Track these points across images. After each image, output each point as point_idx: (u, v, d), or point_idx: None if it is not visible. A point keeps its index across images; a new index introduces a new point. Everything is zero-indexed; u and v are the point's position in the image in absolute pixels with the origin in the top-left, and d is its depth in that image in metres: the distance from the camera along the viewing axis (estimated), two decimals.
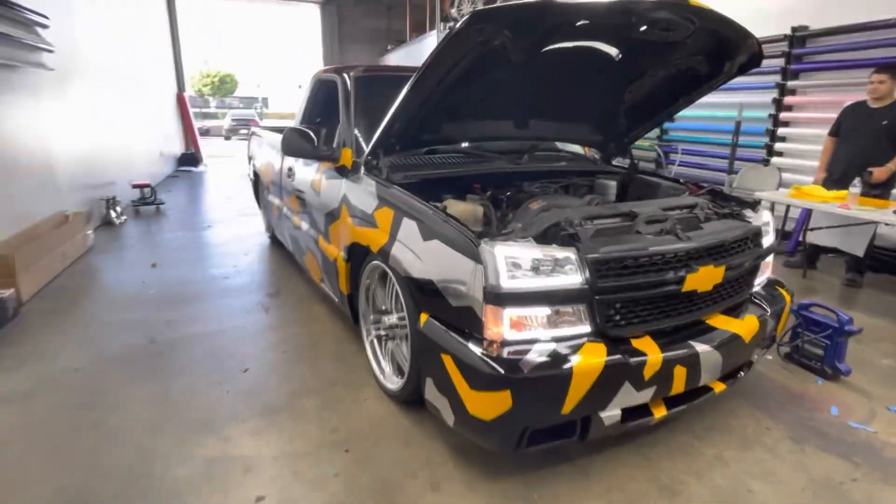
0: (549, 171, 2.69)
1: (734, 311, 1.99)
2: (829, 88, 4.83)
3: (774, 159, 5.23)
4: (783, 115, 5.15)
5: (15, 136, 3.73)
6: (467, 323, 1.64)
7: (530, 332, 1.59)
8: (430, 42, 8.31)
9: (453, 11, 7.37)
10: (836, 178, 3.97)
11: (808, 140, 4.95)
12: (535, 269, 1.57)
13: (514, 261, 1.56)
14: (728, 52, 2.22)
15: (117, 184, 5.89)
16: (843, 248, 3.87)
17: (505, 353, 1.55)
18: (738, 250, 1.94)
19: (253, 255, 4.36)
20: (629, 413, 1.71)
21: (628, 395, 1.65)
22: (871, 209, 3.18)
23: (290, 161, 3.36)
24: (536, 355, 1.53)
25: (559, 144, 3.19)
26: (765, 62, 5.10)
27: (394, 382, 2.21)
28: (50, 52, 4.12)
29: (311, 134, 2.63)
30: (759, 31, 5.14)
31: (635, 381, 1.64)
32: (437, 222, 1.77)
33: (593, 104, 2.69)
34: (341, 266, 2.51)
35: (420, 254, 1.80)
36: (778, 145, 5.21)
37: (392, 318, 2.17)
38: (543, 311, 1.59)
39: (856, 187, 3.29)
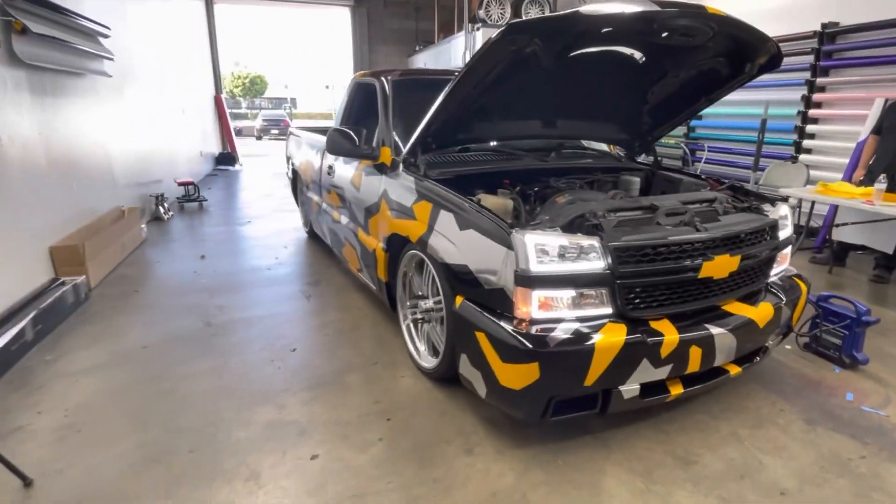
0: (575, 168, 2.85)
1: (750, 299, 2.12)
2: (860, 85, 4.82)
3: (803, 156, 5.22)
4: (812, 112, 5.14)
5: (82, 138, 4.08)
6: (499, 303, 1.82)
7: (556, 312, 1.76)
8: (458, 43, 8.47)
9: (481, 13, 7.53)
10: (878, 174, 3.97)
11: (838, 137, 4.95)
12: (562, 255, 1.74)
13: (542, 247, 1.74)
14: (748, 54, 2.34)
15: (164, 181, 6.28)
16: (871, 245, 3.90)
17: (533, 330, 1.73)
18: (754, 241, 2.07)
19: (292, 249, 4.63)
20: (647, 389, 1.86)
21: (646, 372, 1.81)
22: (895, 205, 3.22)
23: (330, 160, 3.60)
24: (562, 332, 1.71)
25: (586, 143, 3.34)
26: (794, 59, 5.14)
27: (429, 361, 2.41)
28: (110, 59, 4.47)
29: (352, 134, 2.85)
30: (788, 27, 5.20)
31: (653, 358, 1.79)
32: (472, 213, 1.96)
33: (618, 104, 2.83)
34: (380, 256, 2.73)
35: (456, 242, 1.99)
36: (806, 142, 5.21)
37: (428, 303, 2.38)
38: (568, 294, 1.76)
39: (882, 183, 3.33)
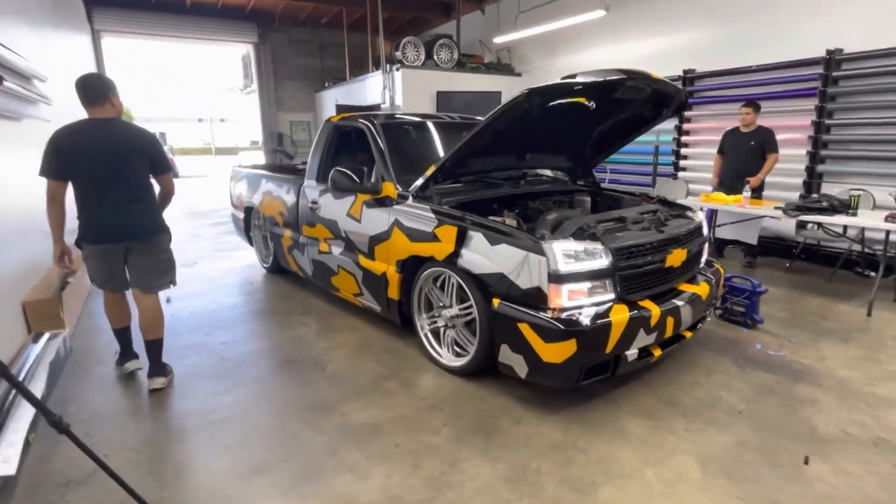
0: (541, 192, 3.50)
1: (693, 281, 2.88)
2: (715, 117, 6.22)
3: (681, 173, 6.54)
4: (683, 139, 6.48)
5: (26, 188, 3.86)
6: (535, 299, 2.34)
7: (578, 301, 2.33)
8: (374, 81, 9.00)
9: (398, 54, 8.15)
10: (727, 185, 5.21)
11: (703, 157, 6.30)
12: (579, 257, 2.32)
13: (566, 252, 2.30)
14: (667, 101, 3.17)
15: None
16: (741, 239, 5.10)
17: (565, 315, 2.27)
18: (692, 238, 2.85)
19: (258, 285, 4.71)
20: (642, 352, 2.49)
21: (642, 339, 2.44)
22: (758, 207, 4.34)
23: (312, 195, 3.87)
24: (587, 315, 2.27)
25: (539, 171, 4.03)
26: None
27: (455, 361, 2.84)
28: (48, 104, 4.28)
29: (351, 173, 3.21)
30: (660, 71, 6.51)
31: (646, 328, 2.43)
32: (501, 231, 2.46)
33: (569, 139, 3.55)
34: (393, 277, 3.10)
35: (490, 256, 2.48)
36: (682, 162, 6.53)
37: (452, 311, 2.81)
38: (586, 286, 2.34)
39: (748, 192, 4.47)
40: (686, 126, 6.46)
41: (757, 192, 5.01)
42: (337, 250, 3.66)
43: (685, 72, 6.30)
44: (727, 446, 2.21)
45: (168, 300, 4.26)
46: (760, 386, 2.72)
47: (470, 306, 2.68)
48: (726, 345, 3.24)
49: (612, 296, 2.42)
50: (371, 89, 9.28)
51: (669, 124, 6.56)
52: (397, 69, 8.13)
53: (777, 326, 3.53)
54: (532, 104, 2.59)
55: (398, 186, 3.14)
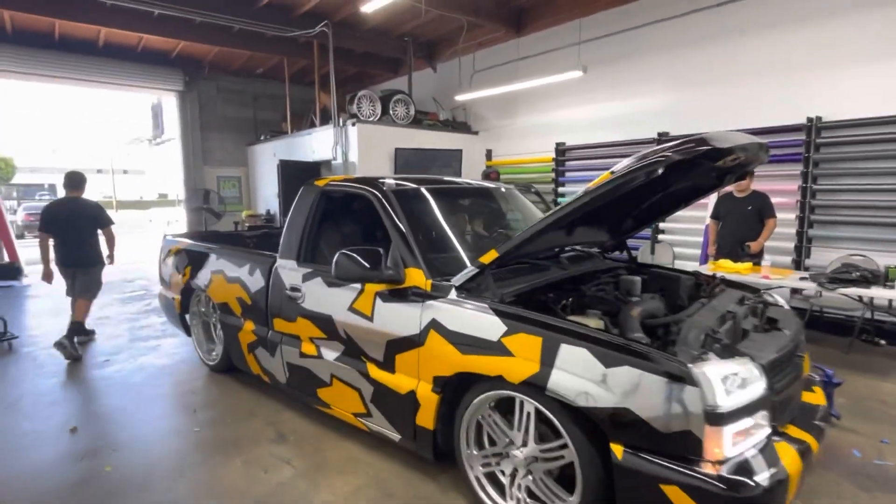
0: (587, 273, 2.88)
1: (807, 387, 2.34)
2: None
3: (661, 236, 6.33)
4: None
5: None
6: (681, 446, 1.63)
7: (742, 445, 1.66)
8: (321, 136, 8.24)
9: (353, 108, 7.51)
10: (726, 251, 4.97)
11: (682, 220, 6.14)
12: (738, 383, 1.67)
13: (726, 378, 1.64)
14: (737, 168, 2.74)
15: None
16: None
17: (728, 470, 1.58)
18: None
19: (203, 394, 3.57)
20: None
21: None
22: (783, 277, 4.05)
23: (291, 279, 2.97)
24: (762, 469, 1.60)
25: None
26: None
27: None
28: None
29: (358, 257, 2.40)
30: (634, 133, 6.40)
31: (810, 465, 1.80)
32: (621, 347, 1.76)
33: (618, 209, 3.00)
34: (427, 399, 2.27)
35: (604, 382, 1.75)
36: (662, 225, 6.34)
37: (524, 451, 2.02)
38: (747, 422, 1.68)
39: (766, 261, 4.19)
40: None
41: (756, 258, 4.80)
42: (330, 354, 2.76)
43: (660, 134, 6.22)
44: None
45: (74, 430, 3.03)
46: None
47: (561, 447, 1.92)
48: (822, 454, 2.71)
49: (768, 430, 1.77)
50: (317, 144, 8.51)
51: None
52: (353, 124, 7.46)
53: (849, 419, 3.09)
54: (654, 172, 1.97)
55: (429, 275, 2.37)
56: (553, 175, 7.41)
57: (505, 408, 2.13)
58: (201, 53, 9.42)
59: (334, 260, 2.41)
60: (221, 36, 8.07)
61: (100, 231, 4.63)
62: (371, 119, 7.69)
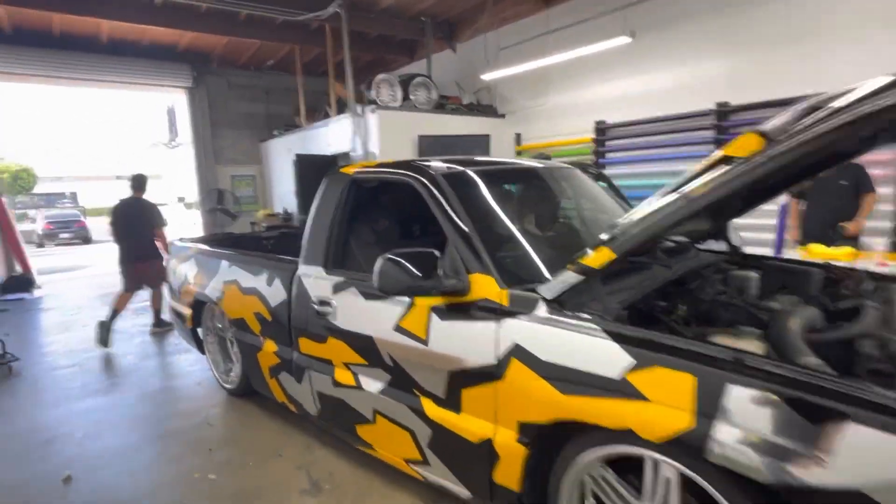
0: (690, 271, 2.25)
1: None
2: None
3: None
4: None
5: None
6: None
7: None
8: (338, 127, 7.69)
9: (372, 94, 6.92)
10: (815, 235, 4.25)
11: None
12: None
13: None
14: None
15: None
16: None
17: None
18: None
19: (220, 427, 3.05)
20: None
21: None
22: None
23: (318, 290, 2.40)
24: None
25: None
26: (699, 134, 5.60)
27: None
28: None
29: (409, 265, 1.81)
30: (688, 105, 5.69)
31: None
32: (836, 393, 1.14)
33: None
34: (511, 451, 1.68)
35: (813, 448, 1.14)
36: None
37: None
38: None
39: (881, 246, 3.49)
40: None
41: (853, 241, 4.10)
42: (372, 385, 2.19)
43: (719, 105, 5.50)
44: None
45: (67, 479, 2.53)
46: None
47: None
48: None
49: None
50: (333, 136, 7.95)
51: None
52: (372, 111, 6.87)
53: None
54: None
55: (503, 283, 1.77)
56: (593, 157, 6.74)
57: (625, 463, 1.53)
58: (209, 46, 8.92)
59: (377, 267, 1.83)
60: (229, 25, 7.55)
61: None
62: (392, 105, 7.09)
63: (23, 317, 6.33)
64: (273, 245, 4.44)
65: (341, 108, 8.05)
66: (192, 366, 4.09)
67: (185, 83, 9.49)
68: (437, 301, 1.90)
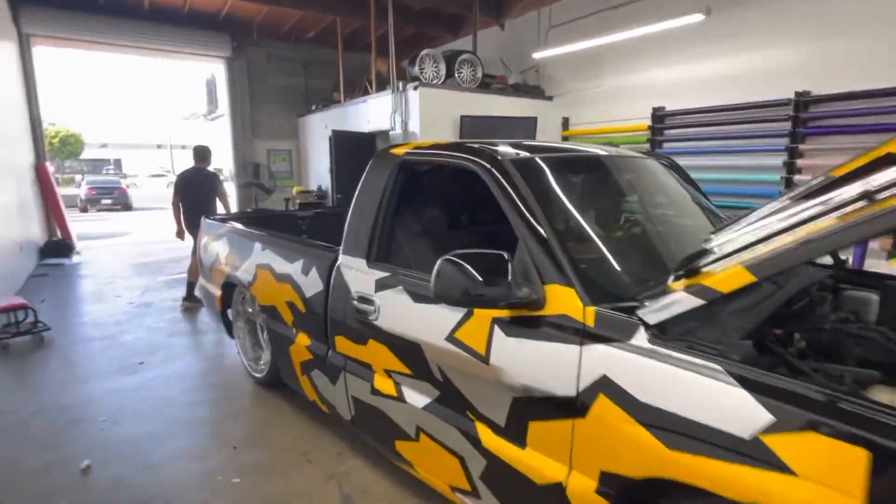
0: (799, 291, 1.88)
1: None
2: (833, 153, 4.86)
3: None
4: (796, 178, 5.08)
5: None
6: None
7: None
8: (376, 104, 7.40)
9: (414, 70, 6.58)
10: None
11: None
12: None
13: None
14: None
15: None
16: None
17: None
18: None
19: (247, 421, 2.85)
20: None
21: None
22: None
23: (360, 285, 2.14)
24: None
25: None
26: (773, 125, 5.07)
27: None
28: None
29: (471, 269, 1.50)
30: (764, 94, 5.16)
31: None
32: None
33: None
34: (585, 502, 1.38)
35: None
36: None
37: None
38: None
39: None
40: (799, 162, 5.07)
41: None
42: (417, 399, 1.92)
43: (798, 94, 4.95)
44: None
45: (87, 467, 2.37)
46: None
47: None
48: None
49: None
50: (372, 113, 7.67)
51: (776, 159, 5.17)
52: (414, 88, 6.54)
53: None
54: None
55: (588, 297, 1.46)
56: (648, 147, 6.26)
57: None
58: (250, 14, 8.70)
59: (436, 269, 1.54)
60: None
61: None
62: (435, 82, 6.74)
63: (60, 283, 6.35)
64: (308, 226, 4.22)
65: (381, 84, 7.74)
66: (220, 348, 3.94)
67: (225, 53, 9.33)
68: (501, 311, 1.60)
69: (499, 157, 1.83)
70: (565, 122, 7.50)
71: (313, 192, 9.53)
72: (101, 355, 3.81)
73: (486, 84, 7.26)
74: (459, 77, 6.98)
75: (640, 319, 1.33)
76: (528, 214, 1.65)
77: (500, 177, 1.76)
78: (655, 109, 6.18)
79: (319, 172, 9.58)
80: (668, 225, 2.15)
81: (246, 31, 9.35)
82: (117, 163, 46.34)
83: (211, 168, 5.32)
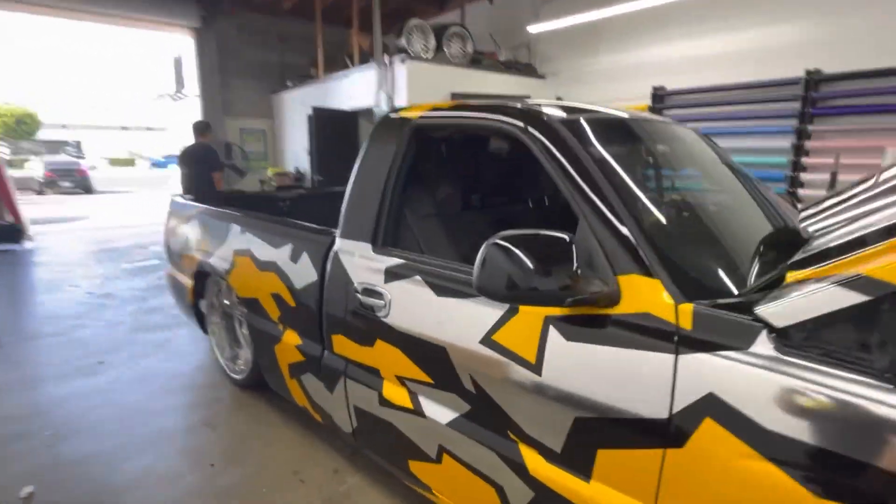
0: None
1: None
2: (844, 134, 4.68)
3: (801, 206, 4.93)
4: (804, 160, 4.89)
5: None
6: None
7: None
8: (359, 79, 6.92)
9: (402, 42, 6.13)
10: None
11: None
12: None
13: None
14: None
15: None
16: None
17: None
18: None
19: (225, 431, 2.46)
20: None
21: None
22: None
23: (364, 276, 1.77)
24: None
25: None
26: (781, 105, 4.85)
27: None
28: None
29: (526, 259, 1.15)
30: (773, 72, 4.92)
31: None
32: None
33: None
34: None
35: None
36: (801, 191, 4.93)
37: None
38: None
39: None
40: (808, 144, 4.87)
41: None
42: (442, 413, 1.58)
43: (808, 73, 4.73)
44: None
45: (29, 497, 1.96)
46: None
47: None
48: None
49: None
50: (354, 89, 7.20)
51: (784, 141, 4.96)
52: (402, 61, 6.10)
53: None
54: None
55: (677, 291, 1.13)
56: None
57: None
58: None
59: (482, 255, 1.18)
60: None
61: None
62: (424, 56, 6.30)
63: (8, 271, 5.74)
64: (289, 208, 3.80)
65: (364, 59, 7.25)
66: (192, 345, 3.51)
67: (193, 23, 8.64)
68: (555, 309, 1.27)
69: (545, 118, 1.48)
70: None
71: (290, 174, 9.00)
72: (54, 354, 3.33)
73: (477, 60, 6.87)
74: (449, 51, 6.56)
75: (763, 321, 1.01)
76: (587, 188, 1.31)
77: (546, 142, 1.41)
78: (656, 88, 5.91)
79: (296, 153, 9.05)
80: (736, 204, 1.84)
81: (216, 1, 8.66)
82: (77, 144, 44.04)
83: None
